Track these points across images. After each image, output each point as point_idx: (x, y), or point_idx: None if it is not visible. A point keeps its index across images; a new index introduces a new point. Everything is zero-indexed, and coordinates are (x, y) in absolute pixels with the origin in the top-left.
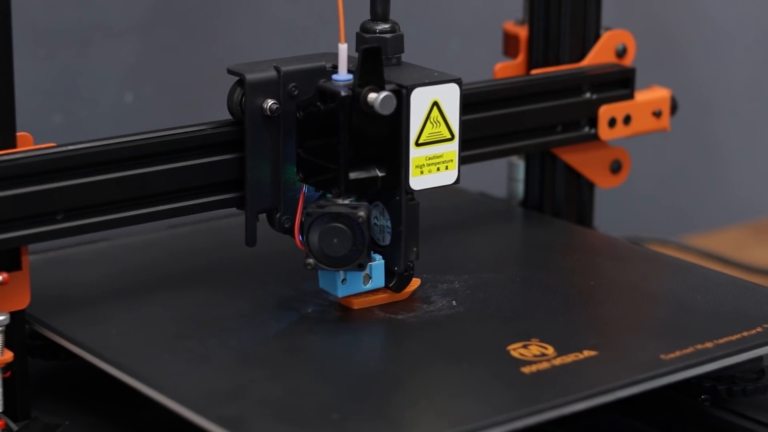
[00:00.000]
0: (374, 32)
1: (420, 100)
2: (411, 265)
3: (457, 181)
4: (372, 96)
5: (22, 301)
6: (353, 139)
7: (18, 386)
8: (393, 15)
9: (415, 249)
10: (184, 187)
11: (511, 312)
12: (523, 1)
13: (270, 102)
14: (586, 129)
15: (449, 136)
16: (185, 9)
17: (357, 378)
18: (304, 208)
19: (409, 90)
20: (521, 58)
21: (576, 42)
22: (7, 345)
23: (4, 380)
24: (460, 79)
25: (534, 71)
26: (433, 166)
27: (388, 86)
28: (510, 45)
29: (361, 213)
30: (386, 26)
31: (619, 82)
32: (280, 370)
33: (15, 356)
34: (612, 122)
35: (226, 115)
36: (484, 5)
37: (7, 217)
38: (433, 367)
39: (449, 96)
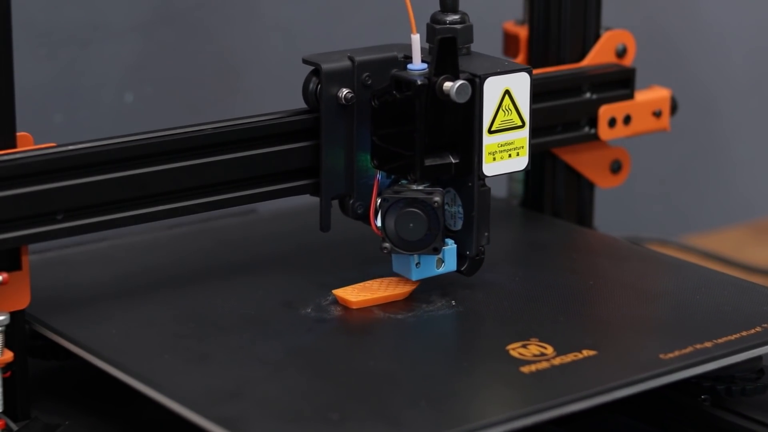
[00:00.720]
0: (445, 23)
1: (493, 88)
2: (482, 249)
3: (528, 166)
4: (447, 85)
5: (22, 301)
6: (428, 126)
7: (18, 386)
8: (393, 15)
9: (486, 234)
10: (183, 187)
11: (511, 312)
12: (523, 1)
13: (345, 91)
14: (586, 129)
15: (520, 124)
16: (185, 9)
17: (356, 378)
18: (379, 193)
19: (483, 79)
20: (521, 57)
21: (576, 42)
22: (7, 345)
23: (4, 380)
24: (530, 68)
25: (534, 71)
26: (505, 152)
27: (462, 75)
28: (510, 45)
29: (437, 198)
30: (456, 17)
31: (619, 82)
32: (280, 370)
33: (15, 356)
34: (612, 122)
35: (227, 114)
36: (484, 5)
37: (7, 217)
38: (433, 366)
39: (520, 84)
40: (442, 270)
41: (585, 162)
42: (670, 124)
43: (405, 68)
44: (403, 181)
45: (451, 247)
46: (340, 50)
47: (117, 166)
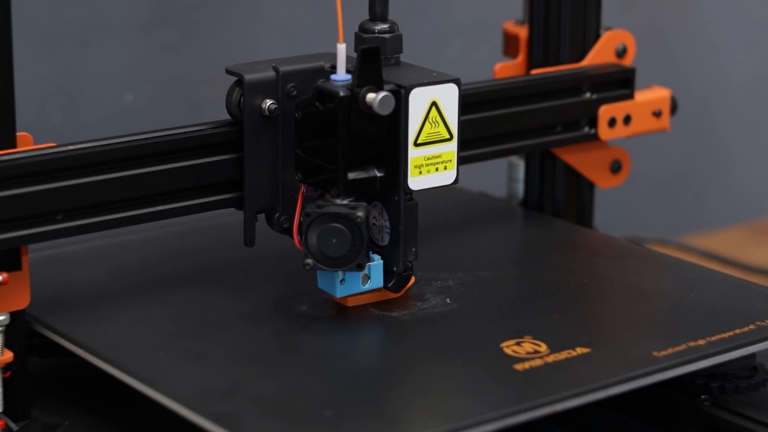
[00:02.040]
0: (373, 32)
1: (418, 100)
2: (410, 265)
3: (456, 181)
4: (370, 96)
5: (22, 301)
6: (352, 139)
7: (18, 386)
8: (393, 15)
9: (413, 249)
10: (183, 187)
11: (505, 309)
12: (523, 1)
13: (269, 102)
14: (586, 129)
15: (448, 136)
16: (185, 9)
17: (351, 375)
18: (303, 208)
19: (408, 90)
20: (521, 58)
21: (576, 42)
22: (7, 345)
23: (4, 380)
24: (458, 79)
25: (534, 71)
26: (431, 166)
27: (386, 86)
28: (510, 45)
29: (360, 213)
30: (385, 26)
31: (619, 82)
32: (275, 368)
33: (15, 356)
34: (612, 122)
35: (226, 115)
36: (484, 5)
37: (7, 217)
38: (427, 364)
39: (448, 96)
40: (368, 287)
41: (585, 162)
42: (670, 124)
43: (329, 79)
44: (327, 195)
45: (377, 262)
46: (265, 60)
47: (117, 166)
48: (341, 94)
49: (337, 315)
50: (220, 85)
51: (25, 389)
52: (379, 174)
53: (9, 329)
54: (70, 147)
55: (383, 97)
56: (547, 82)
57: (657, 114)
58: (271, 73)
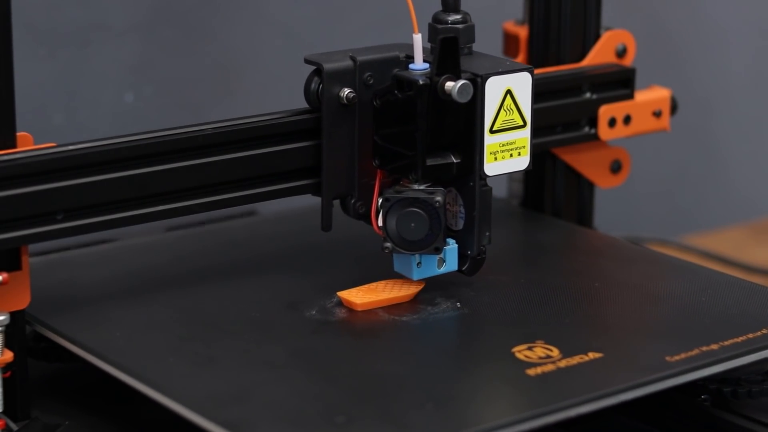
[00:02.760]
0: (446, 23)
1: (494, 88)
2: (483, 249)
3: (529, 166)
4: (449, 84)
5: (22, 301)
6: (430, 126)
7: (18, 386)
8: (394, 14)
9: (487, 233)
10: (180, 187)
11: (516, 314)
12: (523, 1)
13: (347, 90)
14: (586, 129)
15: (522, 123)
16: (185, 9)
17: (362, 380)
18: (381, 193)
19: (484, 79)
20: (521, 57)
21: (576, 42)
22: (7, 345)
23: (4, 380)
24: (531, 68)
25: (534, 71)
26: (506, 152)
27: (463, 75)
28: (510, 45)
29: (438, 198)
30: (458, 17)
31: (619, 82)
32: (285, 373)
33: (15, 356)
34: (612, 122)
35: (227, 115)
36: (484, 5)
37: (7, 217)
38: (438, 369)
39: (521, 84)
40: (443, 270)
41: (585, 162)
42: (670, 124)
43: (407, 68)
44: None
45: (452, 246)
46: (341, 50)
47: (117, 166)
48: (421, 82)
49: (347, 319)
50: (220, 85)
51: (25, 389)
52: (456, 160)
53: (9, 329)
54: (70, 147)
55: (462, 85)
56: (547, 82)
57: (657, 114)
58: (348, 63)
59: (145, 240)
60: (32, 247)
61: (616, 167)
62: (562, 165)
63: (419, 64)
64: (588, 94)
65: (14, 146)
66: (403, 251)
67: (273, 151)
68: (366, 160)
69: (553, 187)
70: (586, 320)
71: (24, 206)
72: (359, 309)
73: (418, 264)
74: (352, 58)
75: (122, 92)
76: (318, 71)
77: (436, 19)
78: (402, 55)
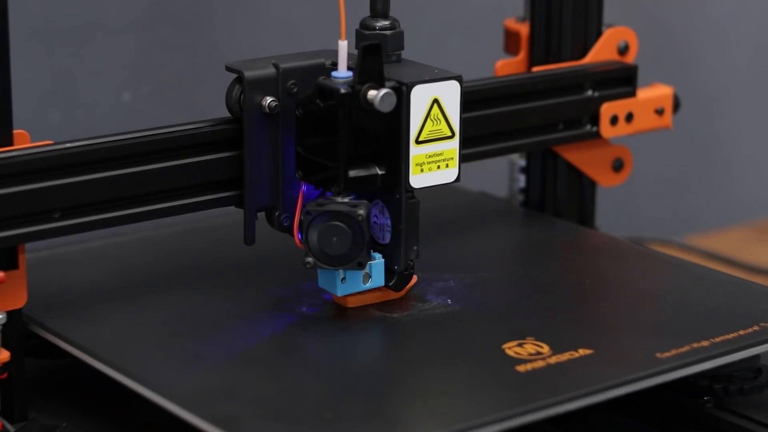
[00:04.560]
0: (374, 29)
1: (420, 97)
2: (411, 263)
3: (458, 179)
4: (372, 93)
5: (19, 300)
6: (353, 136)
7: (15, 387)
8: (394, 12)
9: (415, 248)
10: (181, 185)
11: (507, 310)
12: None
13: (269, 99)
14: (588, 127)
15: (450, 134)
16: (183, 7)
17: (351, 377)
18: (303, 206)
19: (410, 87)
20: (522, 55)
21: (578, 39)
22: (4, 345)
23: (1, 381)
24: (460, 76)
25: (535, 68)
26: (433, 164)
27: (388, 83)
28: (511, 42)
29: (361, 211)
30: (386, 23)
31: (621, 80)
32: (275, 369)
33: (12, 356)
34: (614, 120)
35: (225, 113)
36: (485, 2)
37: (3, 216)
38: (428, 366)
39: (450, 93)
40: (369, 285)
41: (587, 160)
42: (673, 122)
43: (330, 76)
44: (328, 194)
45: (378, 261)
46: (265, 57)
47: (115, 164)
48: (342, 91)
49: (337, 316)
50: (218, 84)
51: (23, 390)
52: (380, 172)
53: (6, 329)
54: (68, 145)
55: (385, 94)
56: (549, 80)
57: (659, 112)
58: (271, 70)
59: (136, 237)
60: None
61: (618, 165)
62: (564, 163)
63: (343, 72)
64: (590, 92)
65: (11, 144)
66: (325, 266)
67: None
68: (289, 172)
69: (555, 186)
70: (577, 317)
71: (21, 204)
72: (349, 305)
73: (342, 279)
74: (275, 66)
75: (120, 91)
76: (239, 79)
77: (364, 25)
78: (328, 62)
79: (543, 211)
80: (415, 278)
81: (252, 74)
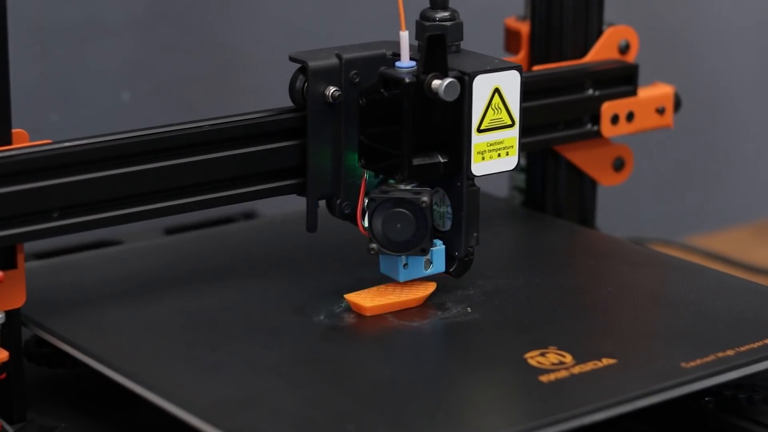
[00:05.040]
0: (434, 20)
1: (482, 86)
2: (471, 250)
3: (517, 166)
4: (436, 83)
5: (17, 300)
6: (417, 125)
7: (14, 388)
8: (389, 11)
9: (475, 234)
10: (180, 185)
11: (528, 319)
12: None
13: (332, 89)
14: (589, 126)
15: (510, 123)
16: (182, 6)
17: (372, 387)
18: (367, 194)
19: (472, 77)
20: (523, 54)
21: (578, 38)
22: (3, 345)
23: (0, 382)
24: (520, 66)
25: (536, 67)
26: (494, 152)
27: (450, 73)
28: (511, 41)
29: (425, 198)
30: (446, 14)
31: (622, 79)
32: (293, 380)
33: (10, 356)
34: (615, 119)
35: (224, 113)
36: (485, 1)
37: (2, 215)
38: (449, 376)
39: (510, 83)
40: (430, 271)
41: (587, 159)
42: (674, 122)
43: (393, 66)
44: (391, 181)
45: (439, 248)
46: (327, 47)
47: (113, 163)
48: (407, 80)
49: (356, 324)
50: (217, 83)
51: (21, 391)
52: (442, 160)
53: (4, 329)
54: (66, 144)
55: (449, 83)
56: (549, 79)
57: (660, 111)
58: (334, 61)
59: (148, 243)
60: (34, 249)
61: (618, 165)
62: (565, 163)
63: (406, 62)
64: (590, 91)
65: (10, 143)
66: (389, 252)
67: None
68: (351, 160)
69: (555, 185)
70: (599, 325)
71: (19, 204)
72: (368, 314)
73: (404, 265)
74: (338, 56)
75: (118, 90)
76: (303, 69)
77: (424, 17)
78: (389, 53)
79: (543, 210)
80: (434, 285)
81: (316, 64)
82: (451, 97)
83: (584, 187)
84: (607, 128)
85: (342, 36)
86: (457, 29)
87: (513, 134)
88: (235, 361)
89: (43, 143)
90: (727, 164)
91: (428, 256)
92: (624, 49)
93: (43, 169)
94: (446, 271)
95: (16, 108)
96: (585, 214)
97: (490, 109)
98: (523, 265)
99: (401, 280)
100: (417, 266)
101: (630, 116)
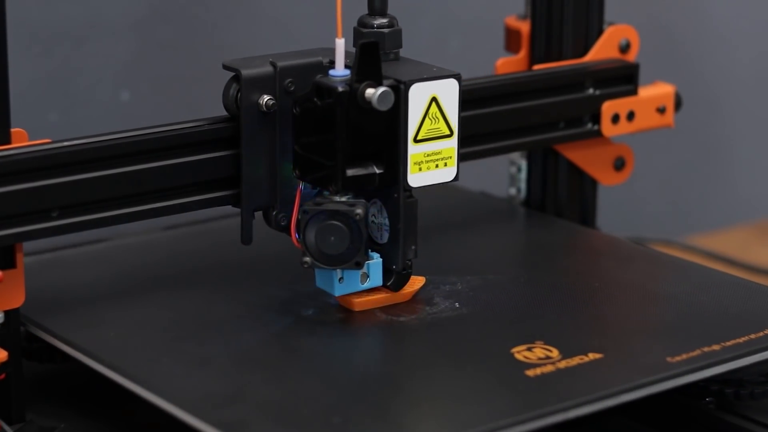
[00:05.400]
0: (372, 27)
1: (418, 95)
2: (409, 263)
3: (456, 178)
4: (369, 91)
5: (16, 300)
6: (350, 135)
7: (13, 388)
8: (393, 10)
9: (413, 247)
10: (179, 184)
11: (515, 314)
12: None
13: (266, 98)
14: (589, 125)
15: (448, 133)
16: (181, 6)
17: (358, 381)
18: (301, 205)
19: (408, 85)
20: (523, 53)
21: (579, 37)
22: (2, 345)
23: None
24: (459, 74)
25: (536, 67)
26: (431, 162)
27: (385, 81)
28: (512, 40)
29: (359, 210)
30: (384, 21)
31: (623, 78)
32: (281, 373)
33: (9, 356)
34: (615, 118)
35: (223, 112)
36: (485, 0)
37: (1, 215)
38: (436, 370)
39: (448, 91)
40: (366, 285)
41: (588, 159)
42: (675, 122)
43: (327, 74)
44: (326, 193)
45: (376, 261)
46: (262, 55)
47: (112, 162)
48: (340, 89)
49: (343, 319)
50: (216, 82)
51: (20, 391)
52: (378, 171)
53: (3, 329)
54: (65, 143)
55: (383, 92)
56: (550, 78)
57: (661, 110)
58: (268, 69)
59: (139, 239)
60: (25, 247)
61: (619, 164)
62: (565, 162)
63: (340, 71)
64: (591, 90)
65: (9, 142)
66: (323, 266)
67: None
68: (287, 171)
69: (556, 185)
70: (586, 320)
71: (18, 203)
72: (356, 308)
73: (339, 279)
74: (273, 64)
75: (118, 90)
76: (236, 77)
77: (361, 23)
78: (326, 60)
79: (544, 210)
80: (423, 280)
81: (249, 72)
82: (385, 107)
83: (585, 186)
84: (607, 128)
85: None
86: (396, 36)
87: (451, 144)
88: (223, 355)
89: (42, 143)
90: (728, 164)
91: (364, 270)
92: (624, 48)
93: (42, 168)
94: (384, 285)
95: (15, 107)
96: (585, 214)
97: (427, 118)
98: (514, 262)
99: (336, 295)
100: (353, 280)
101: (630, 115)
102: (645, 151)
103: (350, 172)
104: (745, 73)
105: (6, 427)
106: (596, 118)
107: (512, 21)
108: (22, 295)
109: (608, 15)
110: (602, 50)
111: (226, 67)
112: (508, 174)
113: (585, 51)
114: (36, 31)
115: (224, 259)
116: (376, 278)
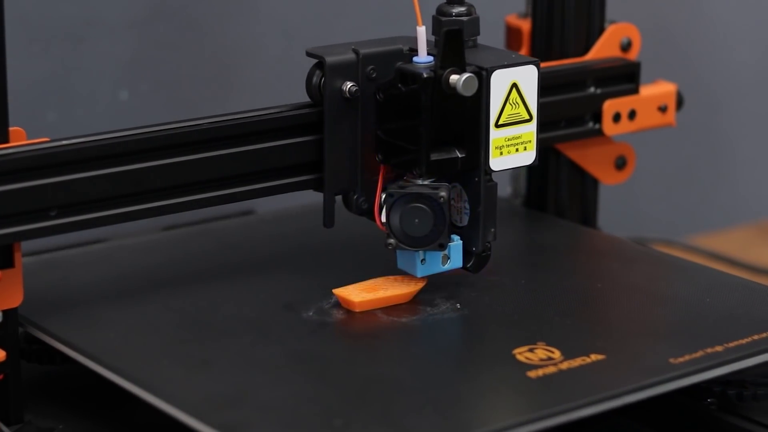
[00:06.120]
0: (451, 15)
1: (500, 81)
2: (488, 245)
3: (536, 161)
4: (454, 78)
5: (15, 299)
6: (435, 120)
7: (11, 389)
8: (390, 8)
9: (492, 230)
10: (178, 184)
11: (517, 315)
12: None
13: (349, 84)
14: (590, 124)
15: (528, 117)
16: (181, 5)
17: (360, 383)
18: (384, 189)
19: (490, 72)
20: (524, 51)
21: (580, 35)
22: (0, 345)
23: None
24: (537, 60)
25: (540, 64)
26: (512, 147)
27: (468, 68)
28: (513, 38)
29: (443, 193)
30: (463, 9)
31: (624, 77)
32: (282, 375)
33: (8, 356)
34: (616, 117)
35: (222, 111)
36: None
37: None
38: (438, 371)
39: (527, 77)
40: (447, 266)
41: (589, 158)
42: (676, 121)
43: (410, 61)
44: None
45: (456, 243)
46: (344, 43)
47: (111, 161)
48: (425, 75)
49: (345, 320)
50: (215, 82)
51: (19, 392)
52: (460, 155)
53: (2, 328)
54: (64, 142)
55: (467, 78)
56: (551, 77)
57: (662, 109)
58: (351, 56)
59: (140, 240)
60: (25, 246)
61: (620, 163)
62: (566, 161)
63: (423, 57)
64: (592, 89)
65: (7, 141)
66: (406, 248)
67: (274, 146)
68: (369, 155)
69: (557, 185)
70: (588, 321)
71: (17, 202)
72: (357, 309)
73: (422, 261)
74: (355, 51)
75: (117, 89)
76: (320, 64)
77: (441, 12)
78: (405, 48)
79: (545, 209)
80: (423, 281)
81: (333, 60)
82: (469, 92)
83: (586, 185)
84: (608, 126)
85: (342, 36)
86: (474, 24)
87: (531, 129)
88: (225, 357)
89: (40, 141)
90: (730, 163)
91: (446, 252)
92: (626, 47)
93: (40, 167)
94: (463, 267)
95: (14, 106)
96: (586, 214)
97: (507, 103)
98: (516, 263)
99: (419, 275)
100: (434, 261)
101: (632, 114)
102: (646, 150)
103: (434, 156)
104: (748, 71)
105: (4, 428)
106: (597, 117)
107: (513, 19)
108: (21, 294)
109: (609, 13)
110: (603, 49)
111: (309, 54)
112: (508, 173)
113: (586, 49)
114: (34, 30)
115: (225, 260)
116: (456, 260)
